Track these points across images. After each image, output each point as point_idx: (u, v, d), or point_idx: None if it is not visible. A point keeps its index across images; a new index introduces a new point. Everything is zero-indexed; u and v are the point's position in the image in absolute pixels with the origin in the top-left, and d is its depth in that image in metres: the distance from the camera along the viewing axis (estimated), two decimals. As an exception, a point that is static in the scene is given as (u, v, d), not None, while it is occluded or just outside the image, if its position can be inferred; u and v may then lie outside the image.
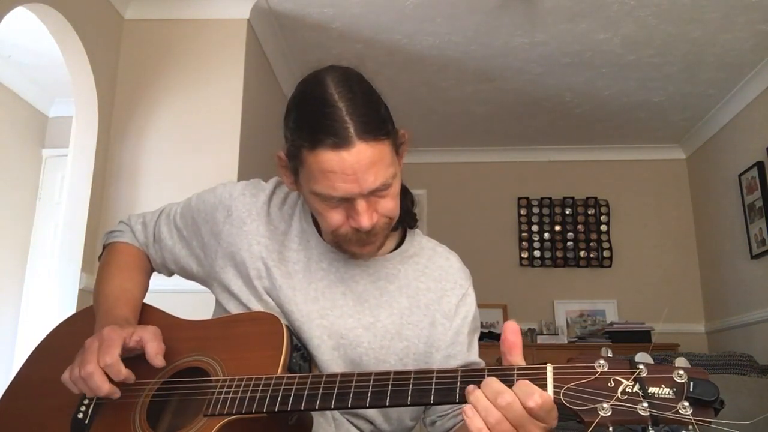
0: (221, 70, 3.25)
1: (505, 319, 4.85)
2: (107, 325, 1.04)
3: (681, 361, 0.72)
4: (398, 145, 1.03)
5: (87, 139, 3.03)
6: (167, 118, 3.20)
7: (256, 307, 1.09)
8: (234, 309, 1.11)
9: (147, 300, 1.21)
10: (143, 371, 1.01)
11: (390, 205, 1.02)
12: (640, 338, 4.19)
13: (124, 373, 0.97)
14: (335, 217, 1.00)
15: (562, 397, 0.74)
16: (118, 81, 3.23)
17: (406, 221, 1.17)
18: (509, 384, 0.77)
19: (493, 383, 0.78)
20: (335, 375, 0.90)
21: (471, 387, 0.79)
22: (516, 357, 0.81)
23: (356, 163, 0.94)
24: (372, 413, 1.07)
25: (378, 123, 0.97)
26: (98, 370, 0.95)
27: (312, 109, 0.97)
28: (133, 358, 1.00)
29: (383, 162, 0.97)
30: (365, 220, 0.98)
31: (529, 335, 4.67)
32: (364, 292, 1.10)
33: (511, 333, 0.81)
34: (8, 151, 4.15)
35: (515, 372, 0.79)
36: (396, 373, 0.87)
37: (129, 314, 1.11)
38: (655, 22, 3.43)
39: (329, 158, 0.94)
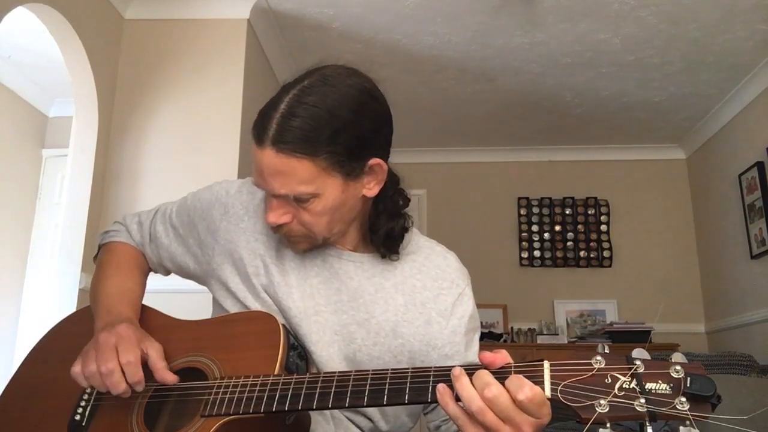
0: (221, 70, 3.25)
1: (505, 319, 4.85)
2: (110, 323, 1.04)
3: (678, 357, 0.72)
4: (348, 172, 0.98)
5: (87, 139, 3.03)
6: (167, 118, 3.20)
7: (253, 304, 1.09)
8: (231, 306, 1.11)
9: (146, 300, 1.20)
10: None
11: (307, 218, 1.01)
12: (640, 338, 4.18)
13: (139, 375, 0.97)
14: (266, 204, 1.04)
15: (559, 394, 0.74)
16: (118, 81, 3.23)
17: (386, 246, 1.10)
18: (505, 381, 0.77)
19: (483, 375, 0.78)
20: (332, 374, 0.90)
21: (457, 371, 0.79)
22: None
23: (264, 165, 0.98)
24: (370, 410, 1.07)
25: (305, 140, 0.94)
26: (118, 369, 0.96)
27: (270, 99, 1.01)
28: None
29: (293, 177, 0.96)
30: (269, 216, 1.01)
31: (529, 335, 4.67)
32: (358, 288, 1.09)
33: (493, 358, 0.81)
34: (8, 151, 4.15)
35: (512, 369, 0.79)
36: (393, 371, 0.87)
37: (131, 313, 1.11)
38: (655, 22, 3.43)
39: (253, 150, 1.00)
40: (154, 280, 1.28)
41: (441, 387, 0.80)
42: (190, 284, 1.28)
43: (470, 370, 0.80)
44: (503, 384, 0.76)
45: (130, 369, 0.97)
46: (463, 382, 0.78)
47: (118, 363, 0.96)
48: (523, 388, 0.74)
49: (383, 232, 1.08)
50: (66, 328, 1.22)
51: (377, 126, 1.02)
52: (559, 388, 0.75)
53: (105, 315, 1.08)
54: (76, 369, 0.99)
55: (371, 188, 1.04)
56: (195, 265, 1.19)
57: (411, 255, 1.14)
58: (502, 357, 0.81)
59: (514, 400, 0.75)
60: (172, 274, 1.28)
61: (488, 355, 0.81)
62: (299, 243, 1.06)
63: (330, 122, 0.95)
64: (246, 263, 1.11)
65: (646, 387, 0.71)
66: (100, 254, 1.27)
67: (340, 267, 1.10)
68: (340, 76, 1.00)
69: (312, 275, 1.10)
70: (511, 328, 4.77)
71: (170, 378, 0.99)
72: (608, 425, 0.71)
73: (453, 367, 0.82)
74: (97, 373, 0.96)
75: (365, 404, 0.85)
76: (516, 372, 0.78)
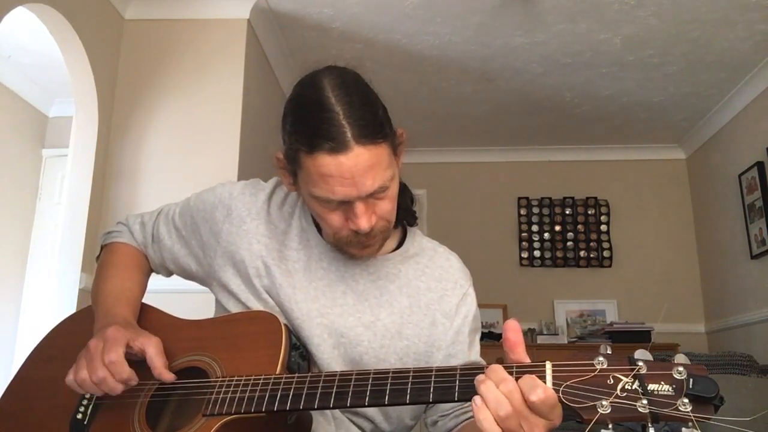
0: (221, 70, 3.25)
1: (505, 319, 4.84)
2: (107, 324, 1.03)
3: (680, 358, 0.72)
4: (396, 146, 1.03)
5: (87, 139, 3.03)
6: (167, 118, 3.20)
7: (255, 305, 1.09)
8: (233, 308, 1.11)
9: (147, 300, 1.20)
10: (142, 371, 1.01)
11: (388, 207, 1.02)
12: (640, 338, 4.18)
13: (127, 372, 0.97)
14: (335, 220, 1.01)
15: (561, 395, 0.74)
16: (118, 81, 3.23)
17: (405, 219, 1.17)
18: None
19: (498, 370, 0.77)
20: (334, 374, 0.90)
21: (482, 377, 0.78)
22: (519, 355, 0.80)
23: (354, 167, 0.94)
24: (372, 412, 1.07)
25: (375, 126, 0.97)
26: (109, 374, 0.96)
27: (309, 113, 0.97)
28: (135, 359, 1.00)
29: (381, 165, 0.97)
30: (363, 223, 0.98)
31: (529, 335, 4.67)
32: (364, 291, 1.10)
33: (512, 332, 0.80)
34: (8, 151, 4.15)
35: (514, 370, 0.78)
36: (395, 371, 0.87)
37: (128, 314, 1.11)
38: (655, 22, 3.43)
39: (327, 163, 0.94)
40: (155, 280, 1.28)
41: (479, 400, 0.77)
42: (191, 284, 1.28)
43: (474, 375, 0.80)
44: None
45: (115, 368, 0.96)
46: (488, 386, 0.77)
47: (105, 369, 0.96)
48: (536, 388, 0.74)
49: (403, 204, 1.13)
50: (69, 327, 1.22)
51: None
52: (561, 388, 0.74)
53: (102, 317, 1.09)
54: (69, 378, 0.99)
55: (400, 160, 1.06)
56: (197, 267, 1.19)
57: (415, 257, 1.15)
58: (513, 330, 0.81)
59: (527, 402, 0.74)
60: (174, 275, 1.28)
61: (509, 338, 0.80)
62: (376, 244, 1.06)
63: (375, 104, 1.00)
64: (247, 265, 1.11)
65: (648, 388, 0.70)
66: (102, 255, 1.27)
67: (345, 270, 1.11)
68: (340, 69, 1.03)
69: (317, 278, 1.10)
70: (511, 328, 4.76)
71: (167, 377, 0.99)
72: (610, 426, 0.71)
73: (455, 367, 0.83)
74: (88, 381, 0.96)
75: (366, 404, 0.85)
76: (517, 372, 0.78)
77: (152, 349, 1.00)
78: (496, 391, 0.75)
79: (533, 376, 0.76)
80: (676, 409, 0.69)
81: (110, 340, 0.98)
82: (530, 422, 0.74)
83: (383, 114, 1.01)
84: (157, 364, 0.99)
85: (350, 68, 1.04)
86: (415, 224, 1.20)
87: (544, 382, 0.76)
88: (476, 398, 0.76)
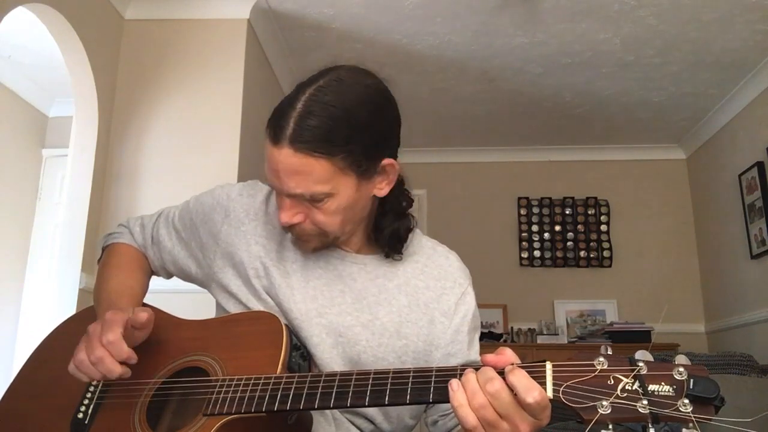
0: (221, 70, 3.25)
1: (505, 319, 4.85)
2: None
3: (681, 359, 0.72)
4: (363, 171, 0.99)
5: (87, 139, 3.03)
6: (167, 118, 3.20)
7: (256, 306, 1.09)
8: (233, 309, 1.11)
9: (147, 300, 1.21)
10: (143, 371, 1.01)
11: (320, 218, 1.01)
12: (640, 338, 4.18)
13: (126, 351, 0.96)
14: (278, 203, 1.04)
15: (561, 395, 0.74)
16: (118, 81, 3.23)
17: (390, 246, 1.11)
18: (509, 377, 0.77)
19: (487, 371, 0.79)
20: (334, 374, 0.90)
21: (468, 369, 0.80)
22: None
23: (280, 164, 0.96)
24: (372, 412, 1.07)
25: (323, 139, 0.94)
26: (107, 353, 0.95)
27: (284, 98, 1.00)
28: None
29: (310, 176, 0.96)
30: (282, 217, 1.01)
31: (529, 335, 4.67)
32: (362, 290, 1.09)
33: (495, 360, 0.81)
34: (8, 151, 4.15)
35: (515, 368, 0.78)
36: (395, 371, 0.87)
37: (130, 308, 1.11)
38: (655, 22, 3.43)
39: (268, 148, 0.98)
40: (155, 281, 1.29)
41: (455, 383, 0.79)
42: (191, 285, 1.28)
43: (476, 368, 0.80)
44: (507, 380, 0.77)
45: (114, 348, 0.96)
46: (469, 377, 0.79)
47: (103, 348, 0.95)
48: (533, 391, 0.74)
49: (389, 231, 1.10)
50: (70, 327, 1.22)
51: (391, 126, 1.05)
52: (561, 389, 0.75)
53: (104, 313, 1.08)
54: (71, 366, 0.99)
55: (382, 188, 1.05)
56: (197, 269, 1.20)
57: (413, 255, 1.15)
58: (505, 358, 0.81)
59: (521, 402, 0.75)
60: (174, 277, 1.28)
61: (490, 357, 0.81)
62: (310, 242, 1.06)
63: (348, 122, 0.96)
64: (246, 266, 1.11)
65: (648, 389, 0.71)
66: (103, 256, 1.27)
67: (343, 269, 1.11)
68: (357, 76, 1.02)
69: (315, 277, 1.10)
70: (511, 328, 4.77)
71: (142, 316, 1.00)
72: (610, 426, 0.71)
73: (455, 367, 0.83)
74: (86, 362, 0.96)
75: (366, 404, 0.86)
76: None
77: (140, 310, 1.01)
78: (475, 383, 0.77)
79: (525, 374, 0.76)
80: (677, 409, 0.69)
81: (108, 322, 0.98)
82: (515, 420, 0.75)
83: (359, 136, 0.96)
84: (139, 316, 1.00)
85: (375, 80, 1.05)
86: (400, 258, 1.12)
87: (545, 383, 0.76)
88: (453, 382, 0.79)
